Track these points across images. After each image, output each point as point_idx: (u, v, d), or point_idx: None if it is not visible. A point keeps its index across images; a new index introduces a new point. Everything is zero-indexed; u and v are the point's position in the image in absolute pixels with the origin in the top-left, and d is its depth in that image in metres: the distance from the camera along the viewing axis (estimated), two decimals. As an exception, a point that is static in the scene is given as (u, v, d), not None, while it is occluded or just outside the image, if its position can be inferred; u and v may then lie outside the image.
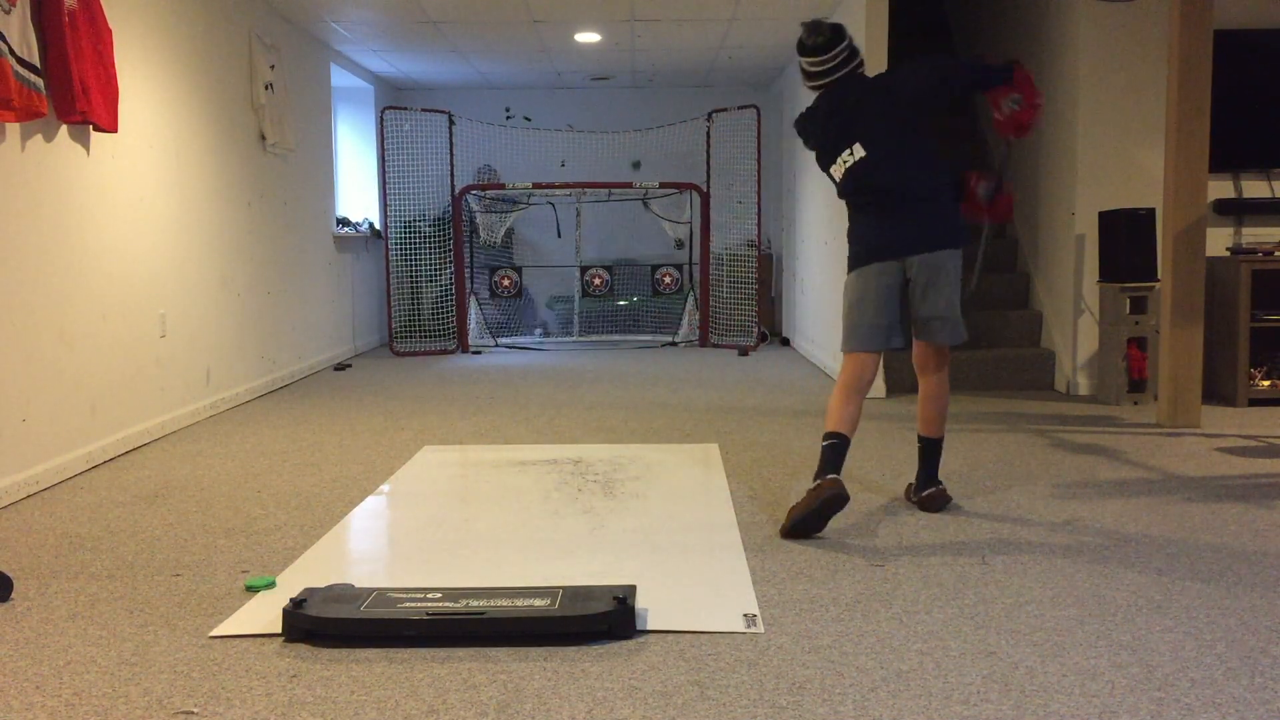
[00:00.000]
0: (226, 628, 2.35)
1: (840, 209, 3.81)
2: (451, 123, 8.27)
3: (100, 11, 4.11)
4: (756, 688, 2.02)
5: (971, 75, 3.27)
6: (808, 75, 3.32)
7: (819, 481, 3.04)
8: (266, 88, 6.11)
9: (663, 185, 8.47)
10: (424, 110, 8.39)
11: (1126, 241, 5.36)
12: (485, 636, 2.25)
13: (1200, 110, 4.66)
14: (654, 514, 3.31)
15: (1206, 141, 4.69)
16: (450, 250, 8.38)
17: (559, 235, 9.07)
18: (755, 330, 8.32)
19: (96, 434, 4.14)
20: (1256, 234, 5.72)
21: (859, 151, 3.18)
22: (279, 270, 6.40)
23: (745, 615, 2.40)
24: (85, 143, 4.12)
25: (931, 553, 2.89)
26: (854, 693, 2.00)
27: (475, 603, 2.33)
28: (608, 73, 8.77)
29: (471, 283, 8.48)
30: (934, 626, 2.34)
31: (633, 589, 2.39)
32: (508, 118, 9.55)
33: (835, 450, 3.10)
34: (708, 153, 8.49)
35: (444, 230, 8.52)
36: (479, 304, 8.66)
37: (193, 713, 1.94)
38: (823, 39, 3.23)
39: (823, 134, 3.28)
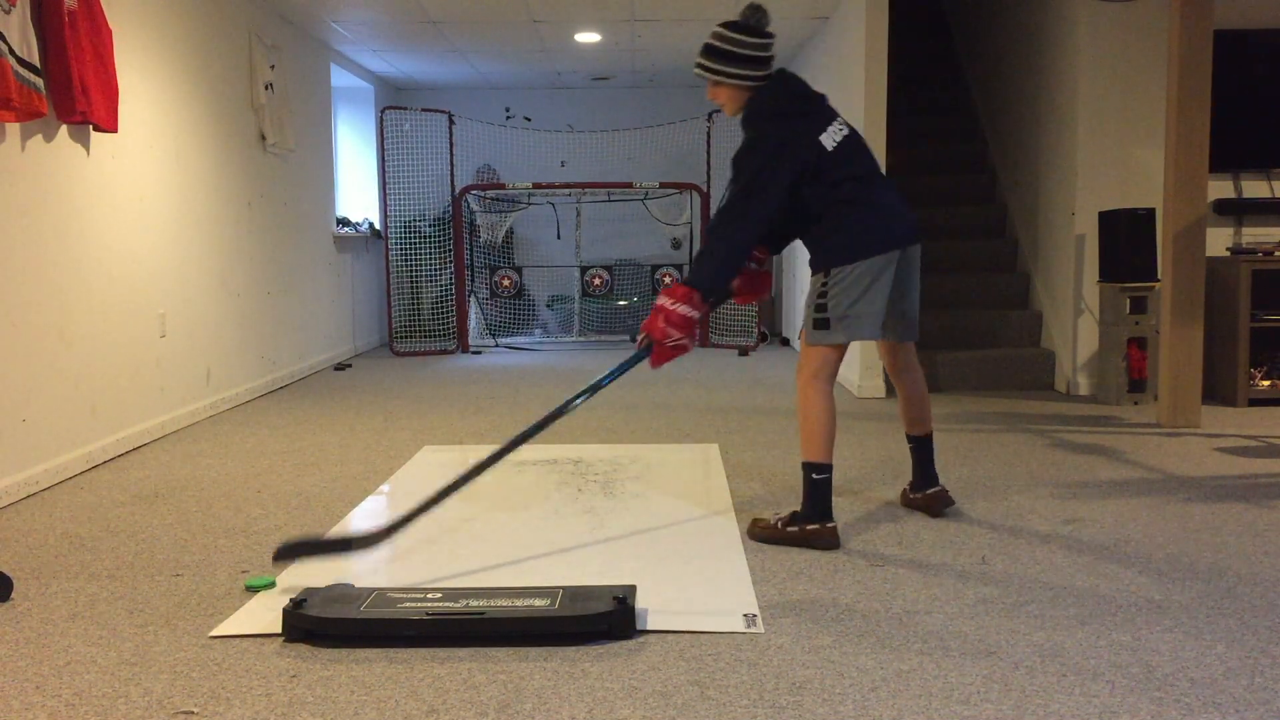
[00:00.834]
0: (226, 628, 2.35)
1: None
2: (451, 123, 8.27)
3: (100, 11, 4.11)
4: (756, 688, 2.02)
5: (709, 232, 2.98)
6: (756, 62, 2.92)
7: (819, 525, 2.92)
8: (266, 88, 6.11)
9: (663, 185, 8.47)
10: (424, 110, 8.39)
11: (1126, 241, 5.36)
12: (485, 636, 2.25)
13: (1200, 110, 4.66)
14: (654, 514, 3.31)
15: (1206, 141, 4.69)
16: (450, 250, 8.38)
17: (559, 235, 9.07)
18: (755, 330, 8.32)
19: (96, 434, 4.14)
20: (1256, 234, 5.72)
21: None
22: (279, 270, 6.40)
23: (745, 615, 2.40)
24: (85, 143, 4.12)
25: (931, 553, 2.89)
26: (854, 693, 2.00)
27: (475, 603, 2.33)
28: (608, 73, 8.77)
29: (471, 283, 8.48)
30: (934, 626, 2.34)
31: (633, 589, 2.39)
32: (508, 118, 9.54)
33: (829, 484, 2.96)
34: (708, 153, 8.49)
35: (444, 230, 8.52)
36: (479, 304, 8.66)
37: (193, 713, 1.94)
38: (767, 19, 2.93)
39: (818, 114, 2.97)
